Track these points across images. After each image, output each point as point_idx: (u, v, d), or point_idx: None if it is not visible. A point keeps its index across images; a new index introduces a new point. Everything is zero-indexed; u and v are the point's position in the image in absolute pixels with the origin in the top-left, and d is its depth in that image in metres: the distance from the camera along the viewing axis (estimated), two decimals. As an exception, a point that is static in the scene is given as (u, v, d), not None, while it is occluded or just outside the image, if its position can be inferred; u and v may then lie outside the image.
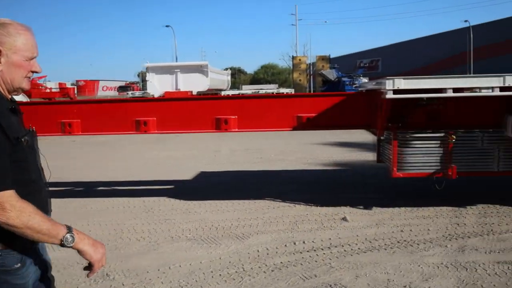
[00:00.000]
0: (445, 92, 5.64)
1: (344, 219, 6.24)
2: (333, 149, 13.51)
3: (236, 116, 6.60)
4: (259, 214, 6.66)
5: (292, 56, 36.46)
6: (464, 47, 49.27)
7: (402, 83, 5.60)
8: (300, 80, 32.25)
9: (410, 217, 6.25)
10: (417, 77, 5.74)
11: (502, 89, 5.62)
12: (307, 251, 5.13)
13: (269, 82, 63.58)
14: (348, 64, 74.79)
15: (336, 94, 6.85)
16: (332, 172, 9.96)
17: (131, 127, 6.71)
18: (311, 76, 37.71)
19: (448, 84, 5.60)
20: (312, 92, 33.48)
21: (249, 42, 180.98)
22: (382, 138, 6.89)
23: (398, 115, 6.30)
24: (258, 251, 5.21)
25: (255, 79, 76.16)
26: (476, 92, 5.66)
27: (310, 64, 39.85)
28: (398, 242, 5.33)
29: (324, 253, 5.05)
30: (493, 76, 5.63)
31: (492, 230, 5.64)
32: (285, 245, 5.34)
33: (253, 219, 6.40)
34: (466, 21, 45.03)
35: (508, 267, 4.52)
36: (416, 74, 6.42)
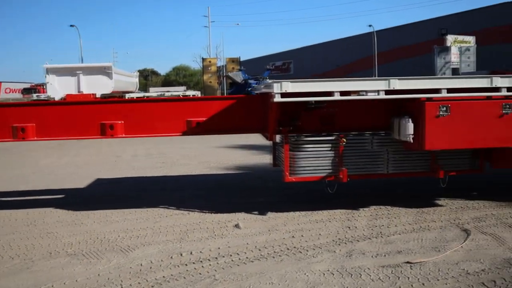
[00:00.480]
0: (333, 95, 5.59)
1: (237, 226, 6.06)
2: (239, 152, 13.38)
3: (123, 121, 6.24)
4: (149, 223, 6.34)
5: (202, 58, 36.19)
6: (371, 50, 51.11)
7: (289, 86, 5.49)
8: (210, 82, 32.06)
9: (303, 222, 6.17)
10: (305, 80, 5.66)
11: (387, 92, 5.65)
12: (193, 263, 4.88)
13: (181, 84, 62.90)
14: (261, 66, 75.44)
15: (228, 97, 6.68)
16: (233, 176, 9.79)
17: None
18: (224, 78, 37.65)
19: (335, 87, 5.56)
20: (224, 94, 33.39)
21: (163, 43, 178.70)
22: (277, 141, 6.80)
23: (289, 119, 6.20)
24: (141, 264, 4.89)
25: (167, 81, 75.09)
26: (362, 95, 5.66)
27: (222, 66, 39.72)
28: (288, 249, 5.20)
29: (210, 265, 4.82)
30: (378, 79, 5.66)
31: (381, 232, 5.66)
32: (171, 257, 5.07)
33: (142, 230, 6.08)
34: (370, 25, 46.71)
35: (392, 271, 4.50)
36: (328, 76, 6.38)
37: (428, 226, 5.85)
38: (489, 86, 5.79)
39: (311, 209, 6.68)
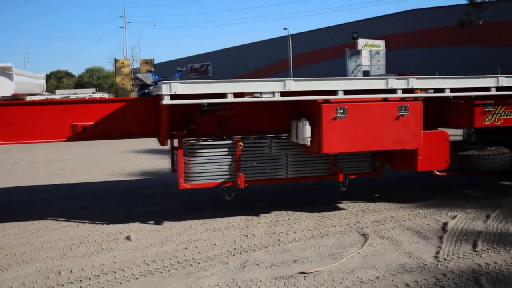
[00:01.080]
0: (227, 97, 5.30)
1: (128, 238, 5.63)
2: (146, 156, 12.87)
3: (-3, 126, 5.65)
4: (32, 238, 5.77)
5: (115, 59, 35.02)
6: (288, 53, 51.73)
7: (179, 87, 5.14)
8: (123, 84, 31.06)
9: (200, 231, 5.84)
10: (196, 81, 5.34)
11: (283, 94, 5.44)
12: (71, 283, 4.41)
13: (95, 86, 60.82)
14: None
15: (118, 99, 6.23)
16: (135, 183, 9.30)
17: None
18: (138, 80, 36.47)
19: (228, 88, 5.27)
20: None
21: (78, 44, 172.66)
22: (175, 146, 6.43)
23: (184, 122, 5.86)
24: (11, 287, 4.37)
25: (79, 83, 72.44)
26: (258, 97, 5.40)
27: (137, 68, 38.59)
28: (179, 262, 4.85)
29: (89, 284, 4.37)
30: (273, 80, 5.44)
31: (279, 240, 5.43)
32: (48, 277, 4.57)
33: (22, 246, 5.51)
34: (285, 28, 47.25)
35: (284, 283, 4.26)
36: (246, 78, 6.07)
37: (328, 231, 5.69)
38: (385, 87, 5.72)
39: (211, 217, 6.36)
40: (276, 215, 6.42)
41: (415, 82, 5.77)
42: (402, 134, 5.82)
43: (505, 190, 7.54)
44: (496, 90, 6.13)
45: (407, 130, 5.83)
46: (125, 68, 31.84)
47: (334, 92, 5.58)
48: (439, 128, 6.52)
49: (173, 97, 5.16)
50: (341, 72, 31.67)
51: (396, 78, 5.74)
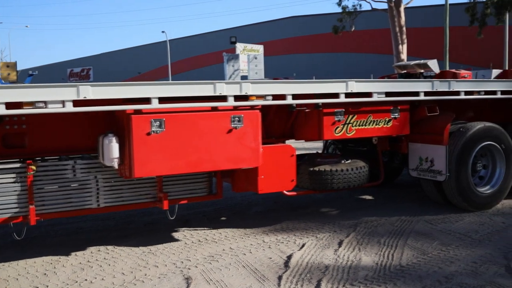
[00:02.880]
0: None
1: None
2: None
3: None
4: None
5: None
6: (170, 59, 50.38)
7: None
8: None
9: (-22, 284, 4.43)
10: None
11: (77, 103, 4.19)
12: None
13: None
14: (57, 72, 70.29)
15: None
16: None
17: None
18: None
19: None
20: None
21: None
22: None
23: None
24: None
25: None
26: (41, 107, 4.11)
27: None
28: None
29: None
30: (67, 86, 4.17)
31: (77, 292, 4.17)
32: None
33: None
34: (163, 31, 45.77)
35: None
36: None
37: (145, 275, 4.52)
38: (213, 94, 4.67)
39: (3, 260, 4.95)
40: (91, 252, 5.14)
41: (249, 88, 4.77)
42: (237, 150, 4.80)
43: (364, 205, 6.82)
44: (346, 97, 5.32)
45: (243, 145, 4.82)
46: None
47: (148, 101, 4.43)
48: (284, 142, 5.62)
49: None
50: (220, 77, 30.87)
51: (226, 83, 4.70)
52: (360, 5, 28.54)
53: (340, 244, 5.21)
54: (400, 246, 5.10)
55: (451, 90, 5.94)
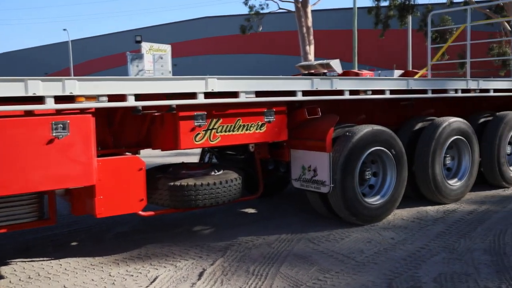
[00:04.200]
0: None
1: None
2: None
3: None
4: None
5: None
6: (75, 60, 47.93)
7: None
8: None
9: None
10: None
11: None
12: None
13: None
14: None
15: None
16: None
17: None
18: None
19: None
20: None
21: None
22: None
23: None
24: None
25: None
26: None
27: None
28: None
29: None
30: None
31: None
32: None
33: None
34: (65, 29, 43.31)
35: None
36: None
37: None
38: (25, 94, 3.61)
39: None
40: None
41: (75, 86, 3.75)
42: (61, 165, 3.78)
43: (244, 221, 5.97)
44: (207, 97, 4.42)
45: (69, 159, 3.80)
46: None
47: None
48: (128, 153, 4.65)
49: None
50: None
51: (43, 80, 3.66)
52: (267, 5, 28.07)
53: (200, 275, 4.31)
54: (271, 275, 4.27)
55: (333, 89, 5.20)
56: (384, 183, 5.82)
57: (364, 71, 15.61)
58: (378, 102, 6.35)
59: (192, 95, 4.34)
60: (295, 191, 7.32)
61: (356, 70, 14.95)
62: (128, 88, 3.97)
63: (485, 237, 5.12)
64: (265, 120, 4.91)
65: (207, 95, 4.40)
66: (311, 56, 25.94)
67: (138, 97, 4.10)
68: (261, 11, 27.78)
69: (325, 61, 16.89)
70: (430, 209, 6.24)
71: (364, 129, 5.46)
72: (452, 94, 6.37)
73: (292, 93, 4.94)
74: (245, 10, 33.70)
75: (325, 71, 15.99)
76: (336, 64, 15.97)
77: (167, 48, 32.02)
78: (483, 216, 5.90)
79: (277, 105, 4.98)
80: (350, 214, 5.43)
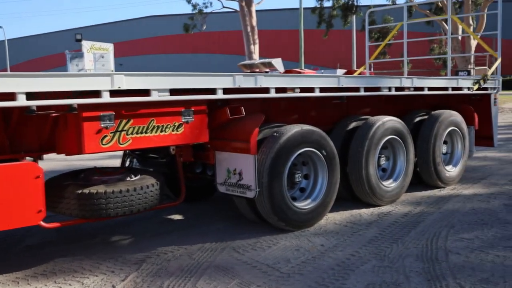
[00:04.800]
0: None
1: None
2: None
3: None
4: None
5: None
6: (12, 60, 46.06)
7: None
8: None
9: None
10: None
11: None
12: None
13: None
14: None
15: None
16: None
17: None
18: None
19: None
20: None
21: None
22: None
23: None
24: None
25: None
26: None
27: None
28: None
29: None
30: None
31: None
32: None
33: None
34: (0, 27, 41.46)
35: None
36: None
37: None
38: None
39: None
40: None
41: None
42: None
43: (167, 229, 5.55)
44: (113, 95, 3.99)
45: None
46: None
47: None
48: (29, 158, 4.17)
49: None
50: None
51: None
52: (211, 3, 27.67)
53: (108, 293, 3.88)
54: (186, 291, 3.88)
55: (258, 86, 4.85)
56: (315, 185, 5.52)
57: (307, 70, 15.45)
58: (311, 101, 6.07)
59: (97, 93, 3.89)
60: (225, 195, 6.97)
61: (298, 69, 14.75)
62: (18, 85, 3.49)
63: (418, 241, 4.89)
64: (183, 120, 4.51)
65: (114, 93, 3.96)
66: (256, 56, 25.67)
67: (32, 95, 3.62)
68: (205, 10, 27.30)
69: (267, 60, 16.62)
70: (365, 212, 6.00)
71: (293, 129, 5.14)
72: (385, 92, 6.14)
73: (213, 91, 4.55)
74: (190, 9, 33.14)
75: (268, 70, 15.73)
76: (277, 62, 15.71)
77: (110, 46, 31.08)
78: (417, 218, 5.70)
79: (196, 104, 4.59)
80: (278, 219, 5.10)
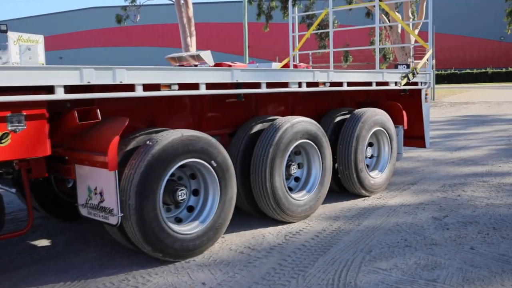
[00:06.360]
0: None
1: None
2: None
3: None
4: None
5: None
6: None
7: None
8: None
9: None
10: None
11: None
12: None
13: None
14: None
15: None
16: None
17: None
18: None
19: None
20: None
21: None
22: None
23: None
24: None
25: None
26: None
27: None
28: None
29: None
30: None
31: None
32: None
33: None
34: None
35: None
36: None
37: None
38: None
39: None
40: None
41: None
42: None
43: (22, 261, 4.44)
44: None
45: None
46: None
47: None
48: None
49: None
50: None
51: None
52: (147, -6, 26.31)
53: None
54: None
55: (118, 83, 3.78)
56: (205, 204, 4.52)
57: (238, 63, 14.44)
58: (206, 100, 5.07)
59: None
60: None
61: (229, 62, 13.74)
62: None
63: (324, 275, 3.96)
64: (9, 129, 3.41)
65: None
66: (193, 48, 24.49)
67: None
68: (138, 2, 25.93)
69: (195, 53, 15.51)
70: (270, 231, 5.03)
71: (170, 137, 4.10)
72: (294, 88, 5.19)
73: (50, 89, 3.46)
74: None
75: (197, 63, 14.63)
76: (206, 55, 14.62)
77: (39, 38, 29.10)
78: (330, 240, 4.77)
79: (30, 107, 3.48)
80: (153, 249, 4.07)
